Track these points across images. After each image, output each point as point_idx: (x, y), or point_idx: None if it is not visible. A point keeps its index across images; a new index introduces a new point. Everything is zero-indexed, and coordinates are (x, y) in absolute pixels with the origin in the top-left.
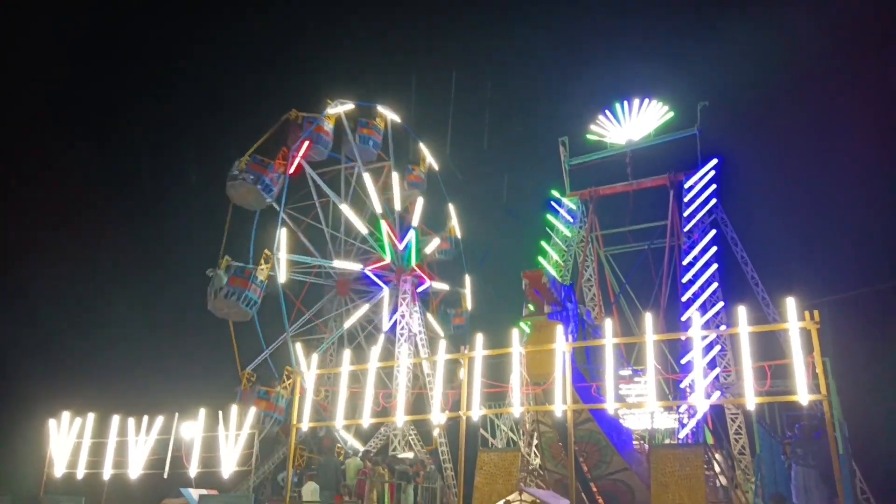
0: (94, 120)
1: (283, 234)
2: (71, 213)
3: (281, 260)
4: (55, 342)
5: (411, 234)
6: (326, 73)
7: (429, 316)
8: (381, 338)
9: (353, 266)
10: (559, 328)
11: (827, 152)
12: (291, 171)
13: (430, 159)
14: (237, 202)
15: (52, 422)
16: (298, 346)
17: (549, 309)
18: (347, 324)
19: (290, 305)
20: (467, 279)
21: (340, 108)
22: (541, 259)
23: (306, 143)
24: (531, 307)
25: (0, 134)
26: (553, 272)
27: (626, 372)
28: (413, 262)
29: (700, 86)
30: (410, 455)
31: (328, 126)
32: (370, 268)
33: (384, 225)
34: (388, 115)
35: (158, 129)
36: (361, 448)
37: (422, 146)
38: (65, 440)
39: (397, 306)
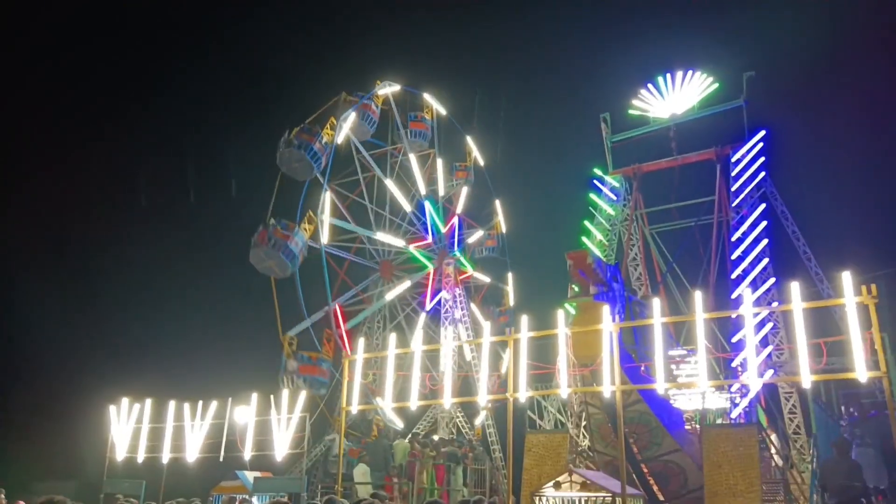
0: (137, 103)
1: (327, 198)
2: (125, 200)
3: (324, 222)
4: (113, 331)
5: (455, 221)
6: (373, 58)
7: (472, 305)
8: (422, 318)
9: (396, 241)
10: (605, 309)
11: (879, 120)
12: (339, 139)
13: (475, 153)
14: (286, 171)
15: (112, 408)
16: (338, 309)
17: (595, 290)
18: (390, 295)
19: (333, 276)
20: (510, 276)
21: (388, 89)
22: (584, 239)
23: (353, 114)
24: (576, 288)
25: (51, 111)
26: (597, 252)
27: (677, 352)
28: (456, 251)
29: (745, 55)
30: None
31: (375, 106)
32: (413, 246)
33: (427, 206)
34: (435, 105)
35: (204, 112)
36: (399, 428)
37: (468, 140)
38: (125, 426)
39: (439, 289)
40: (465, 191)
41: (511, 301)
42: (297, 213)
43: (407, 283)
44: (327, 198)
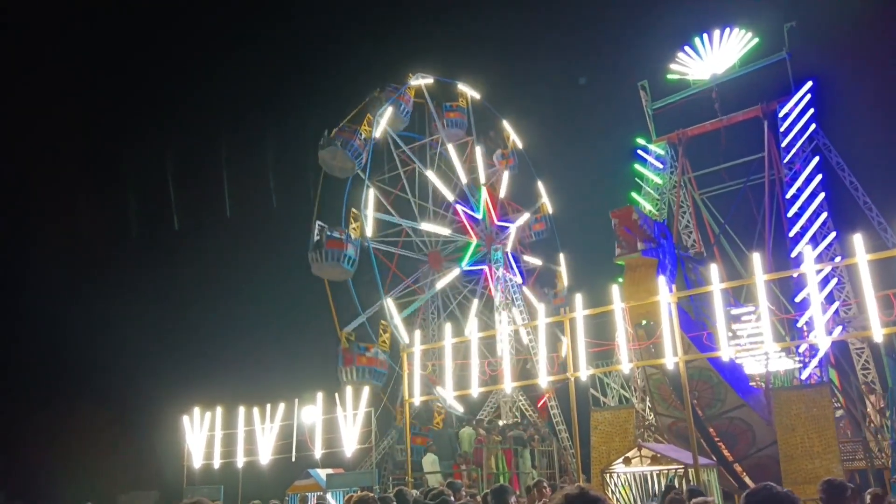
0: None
1: (370, 194)
2: (195, 209)
3: (368, 216)
4: (182, 343)
5: (484, 193)
6: (404, 51)
7: (525, 290)
8: (475, 304)
9: (442, 230)
10: (662, 280)
11: None
12: (377, 133)
13: (514, 136)
14: (328, 170)
15: (185, 418)
16: (390, 302)
17: (643, 245)
18: (440, 283)
19: (384, 271)
20: (562, 257)
21: (421, 80)
22: (633, 194)
23: (390, 108)
24: (623, 247)
25: (97, 115)
26: (647, 206)
27: (740, 311)
28: (509, 246)
29: (784, 6)
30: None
31: (408, 97)
32: (462, 208)
33: (484, 191)
34: (469, 92)
35: (235, 114)
36: (460, 413)
37: (505, 124)
38: (199, 434)
39: (483, 262)
40: (506, 175)
41: (565, 282)
42: (342, 213)
43: (456, 271)
44: (370, 194)
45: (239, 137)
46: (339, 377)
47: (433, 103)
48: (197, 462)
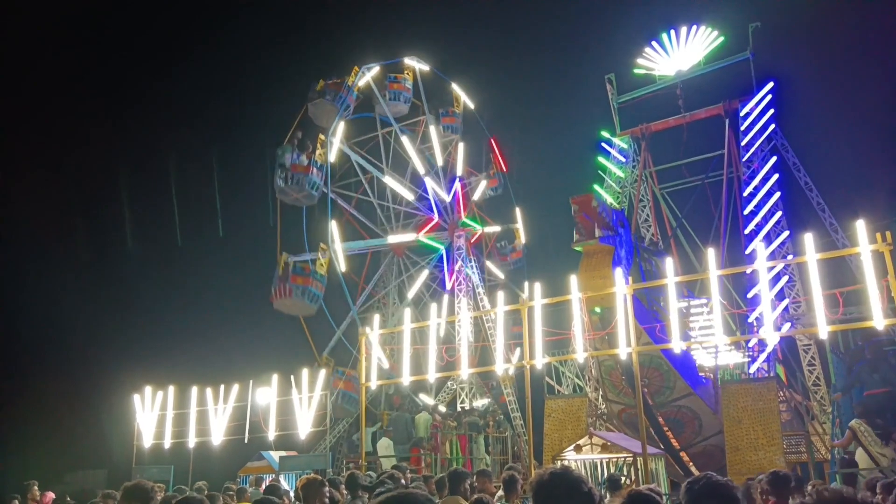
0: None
1: (334, 227)
2: (141, 184)
3: (337, 251)
4: (134, 320)
5: (457, 185)
6: (353, 35)
7: (487, 263)
8: (445, 298)
9: (407, 236)
10: (618, 272)
11: (891, 64)
12: (332, 157)
13: (464, 98)
14: (286, 201)
15: (136, 396)
16: (334, 226)
17: (601, 232)
18: (411, 293)
19: (352, 285)
20: (518, 213)
21: (368, 75)
22: (595, 187)
23: (342, 124)
24: (581, 233)
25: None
26: (606, 197)
27: (692, 303)
28: (463, 215)
29: (750, 6)
30: (486, 401)
31: (353, 92)
32: (423, 233)
33: (429, 183)
34: (416, 65)
35: (210, 92)
36: (432, 402)
37: (454, 87)
38: (150, 413)
39: (454, 262)
40: (460, 146)
41: (522, 238)
42: (305, 241)
43: (425, 273)
44: (334, 227)
45: (194, 128)
46: (271, 290)
47: (378, 88)
48: (147, 441)
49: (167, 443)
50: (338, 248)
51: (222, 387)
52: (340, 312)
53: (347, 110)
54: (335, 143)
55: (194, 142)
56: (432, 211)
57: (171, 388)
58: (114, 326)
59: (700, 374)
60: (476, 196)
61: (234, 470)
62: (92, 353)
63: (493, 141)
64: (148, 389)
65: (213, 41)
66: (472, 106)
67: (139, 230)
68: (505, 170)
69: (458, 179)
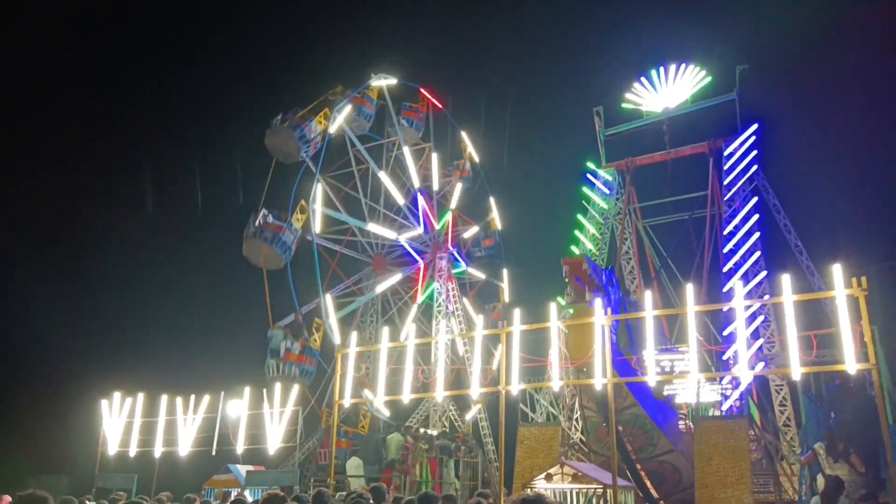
0: (128, 89)
1: (319, 188)
2: (114, 192)
3: (316, 211)
4: (106, 326)
5: (448, 217)
6: (367, 53)
7: (465, 301)
8: (414, 309)
9: (389, 233)
10: (598, 301)
11: (871, 114)
12: (332, 129)
13: (471, 149)
14: (273, 152)
15: (104, 402)
16: (329, 299)
17: (591, 296)
18: (380, 287)
19: (325, 267)
20: (505, 273)
21: (383, 81)
22: (574, 248)
23: (349, 106)
24: (573, 294)
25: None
26: (590, 245)
27: (671, 356)
28: (436, 225)
29: (739, 49)
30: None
31: (371, 99)
32: (406, 236)
33: (421, 197)
34: (429, 97)
35: (194, 103)
36: (385, 417)
37: (464, 135)
38: (117, 420)
39: (432, 280)
40: (459, 187)
41: (506, 298)
42: (290, 202)
43: (398, 276)
44: (319, 188)
45: (197, 127)
46: (265, 369)
47: (392, 103)
48: (112, 449)
49: (133, 451)
50: (333, 324)
51: (193, 397)
52: (306, 294)
53: (307, 146)
54: (317, 209)
55: (173, 158)
56: (419, 224)
57: (141, 396)
58: (83, 331)
59: (680, 414)
60: (454, 203)
61: (199, 482)
62: (60, 357)
63: (492, 199)
64: (117, 395)
65: (171, 80)
66: (477, 159)
67: (116, 235)
68: (500, 227)
69: (420, 193)
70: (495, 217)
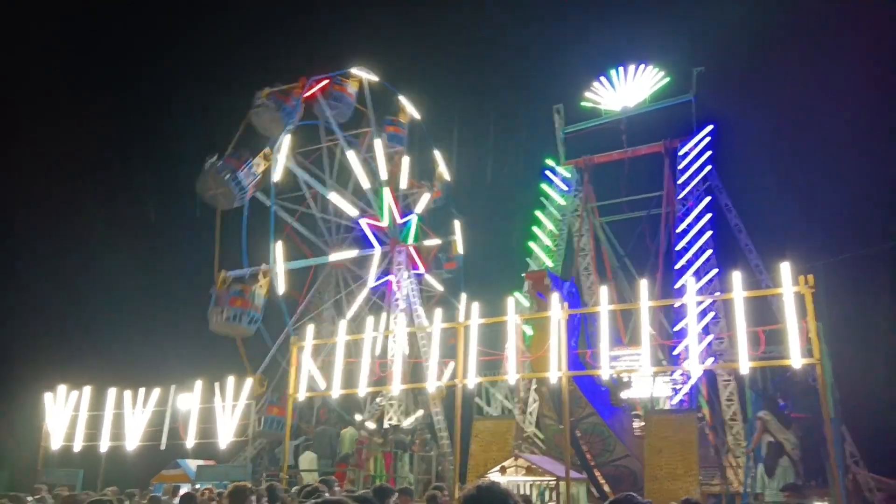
0: (88, 82)
1: (286, 139)
2: (61, 182)
3: (279, 273)
4: (50, 315)
5: (413, 218)
6: (299, 45)
7: (426, 276)
8: (365, 291)
9: (349, 254)
10: (554, 296)
11: (821, 116)
12: (278, 177)
13: (410, 109)
14: (202, 197)
15: (48, 395)
16: (279, 247)
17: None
18: (334, 257)
19: (291, 301)
20: (457, 225)
21: (316, 87)
22: (535, 229)
23: (287, 138)
24: (534, 306)
25: None
26: (548, 241)
27: (624, 352)
28: (409, 242)
29: (697, 50)
30: (417, 415)
31: (352, 89)
32: (367, 220)
33: (387, 193)
34: (363, 75)
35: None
36: (358, 418)
37: (401, 98)
38: (61, 413)
39: (388, 272)
40: (405, 160)
41: (459, 248)
42: (243, 252)
43: (354, 252)
44: (286, 139)
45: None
46: (208, 317)
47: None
48: (56, 443)
49: (77, 445)
50: (279, 271)
51: (142, 390)
52: (276, 328)
53: (292, 121)
54: (280, 159)
55: (131, 145)
56: (382, 215)
57: (88, 389)
58: (26, 320)
59: (633, 413)
60: (420, 209)
61: (147, 477)
62: (1, 348)
63: (437, 153)
64: (62, 388)
65: (153, 57)
66: (418, 117)
67: (60, 225)
68: (448, 179)
69: (414, 214)
70: (443, 170)
